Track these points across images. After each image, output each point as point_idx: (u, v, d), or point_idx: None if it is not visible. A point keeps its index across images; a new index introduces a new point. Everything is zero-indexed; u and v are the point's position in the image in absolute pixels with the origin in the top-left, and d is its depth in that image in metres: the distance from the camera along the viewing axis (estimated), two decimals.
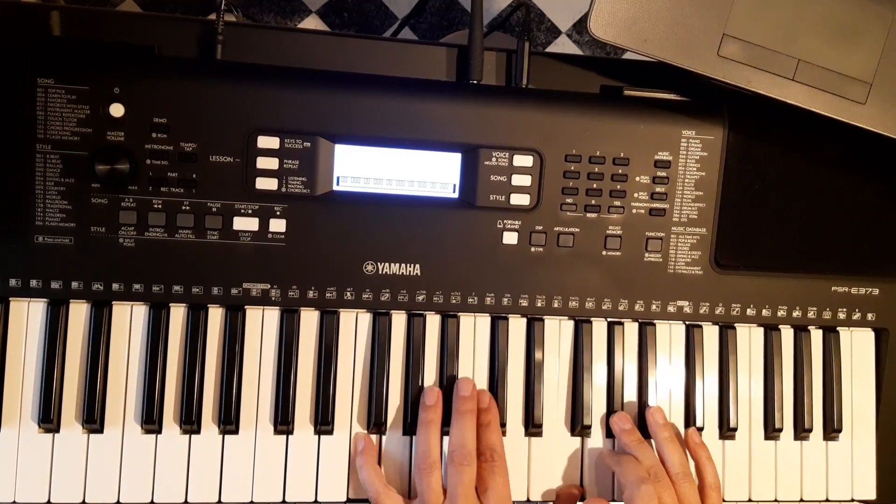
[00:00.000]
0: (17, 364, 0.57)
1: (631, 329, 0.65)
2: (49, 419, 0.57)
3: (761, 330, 0.66)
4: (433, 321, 0.62)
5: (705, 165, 0.62)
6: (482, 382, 0.62)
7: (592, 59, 0.69)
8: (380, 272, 0.60)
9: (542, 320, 0.63)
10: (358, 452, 0.60)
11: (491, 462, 0.58)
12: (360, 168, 0.59)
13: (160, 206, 0.57)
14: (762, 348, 0.66)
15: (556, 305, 0.62)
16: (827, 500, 0.66)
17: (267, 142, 0.57)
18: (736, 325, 0.66)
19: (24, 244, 0.56)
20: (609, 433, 0.64)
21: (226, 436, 0.59)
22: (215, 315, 0.60)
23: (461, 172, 0.60)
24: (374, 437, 0.61)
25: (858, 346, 0.68)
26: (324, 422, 0.60)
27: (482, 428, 0.60)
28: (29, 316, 0.58)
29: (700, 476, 0.61)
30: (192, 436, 0.59)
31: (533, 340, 0.63)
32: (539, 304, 0.62)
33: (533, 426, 0.62)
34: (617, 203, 0.61)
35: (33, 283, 0.56)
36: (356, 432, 0.61)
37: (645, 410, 0.64)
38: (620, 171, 0.61)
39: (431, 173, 0.60)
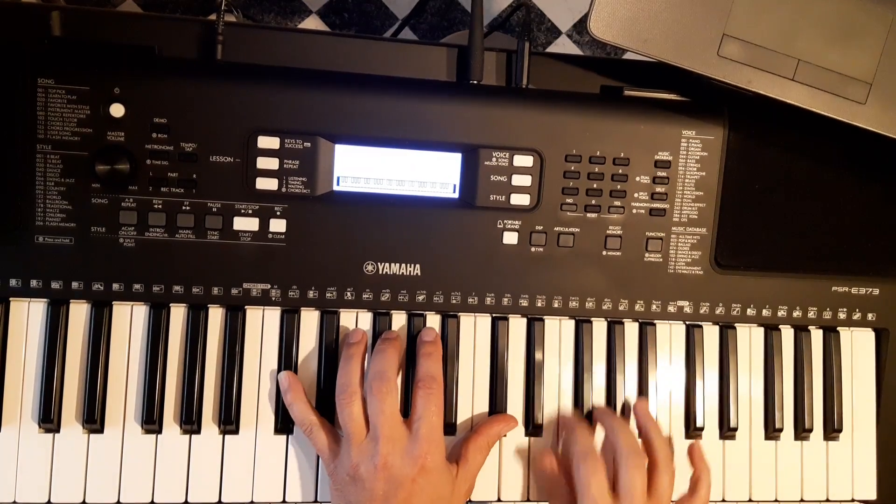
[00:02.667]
0: (17, 364, 0.57)
1: (631, 329, 0.65)
2: (49, 419, 0.57)
3: (761, 330, 0.66)
4: (433, 321, 0.62)
5: (705, 165, 0.62)
6: (482, 382, 0.62)
7: (592, 59, 0.69)
8: (380, 272, 0.60)
9: (543, 320, 0.63)
10: (285, 390, 0.58)
11: (426, 388, 0.56)
12: (360, 168, 0.59)
13: (160, 207, 0.57)
14: (762, 348, 0.66)
15: (556, 305, 0.62)
16: (827, 500, 0.66)
17: (267, 142, 0.57)
18: (736, 325, 0.66)
19: (24, 244, 0.56)
20: None
21: (226, 436, 0.59)
22: (215, 315, 0.60)
23: (461, 172, 0.60)
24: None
25: (859, 346, 0.68)
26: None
27: (422, 357, 0.58)
28: (29, 316, 0.58)
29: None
30: (193, 436, 0.59)
31: (533, 340, 0.63)
32: (539, 304, 0.62)
33: (533, 426, 0.62)
34: (617, 203, 0.61)
35: (33, 283, 0.56)
36: (279, 372, 0.59)
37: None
38: (620, 171, 0.61)
39: (431, 173, 0.60)
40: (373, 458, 0.54)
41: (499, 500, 0.62)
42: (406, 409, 0.59)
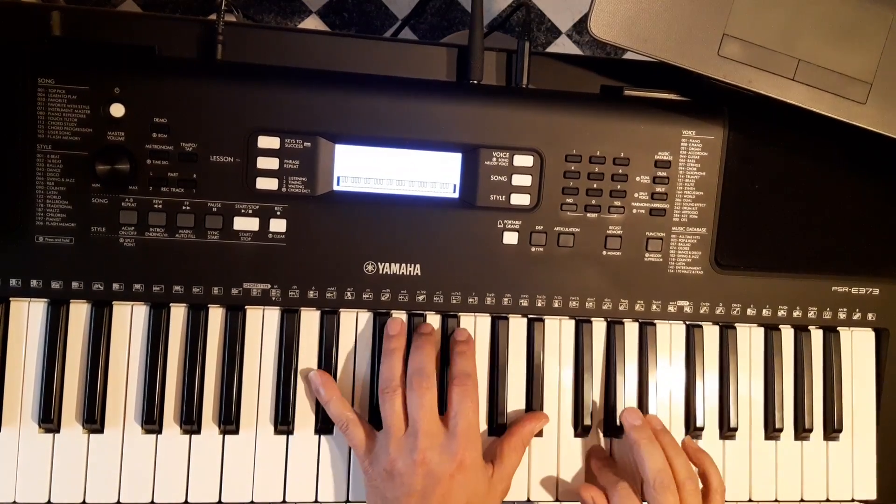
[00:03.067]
0: (17, 364, 0.57)
1: (631, 329, 0.65)
2: (49, 419, 0.57)
3: (761, 330, 0.66)
4: (434, 321, 0.62)
5: (705, 165, 0.62)
6: (482, 382, 0.62)
7: (592, 59, 0.69)
8: (380, 272, 0.60)
9: (543, 320, 0.63)
10: (317, 387, 0.58)
11: (462, 386, 0.57)
12: (360, 168, 0.59)
13: (160, 206, 0.57)
14: (762, 348, 0.66)
15: (556, 305, 0.62)
16: (827, 501, 0.67)
17: (267, 142, 0.57)
18: (736, 325, 0.66)
19: (24, 244, 0.56)
20: (608, 432, 0.64)
21: (226, 436, 0.59)
22: (215, 315, 0.60)
23: (461, 172, 0.60)
24: None
25: (859, 346, 0.68)
26: (325, 422, 0.60)
27: (457, 356, 0.59)
28: (29, 316, 0.58)
29: (705, 481, 0.60)
30: (193, 436, 0.59)
31: (533, 340, 0.63)
32: (539, 304, 0.62)
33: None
34: (617, 203, 0.61)
35: (34, 283, 0.56)
36: (310, 370, 0.60)
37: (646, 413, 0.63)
38: (621, 171, 0.61)
39: (432, 173, 0.60)
40: (412, 453, 0.54)
41: (528, 500, 0.62)
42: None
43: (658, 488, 0.56)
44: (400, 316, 0.61)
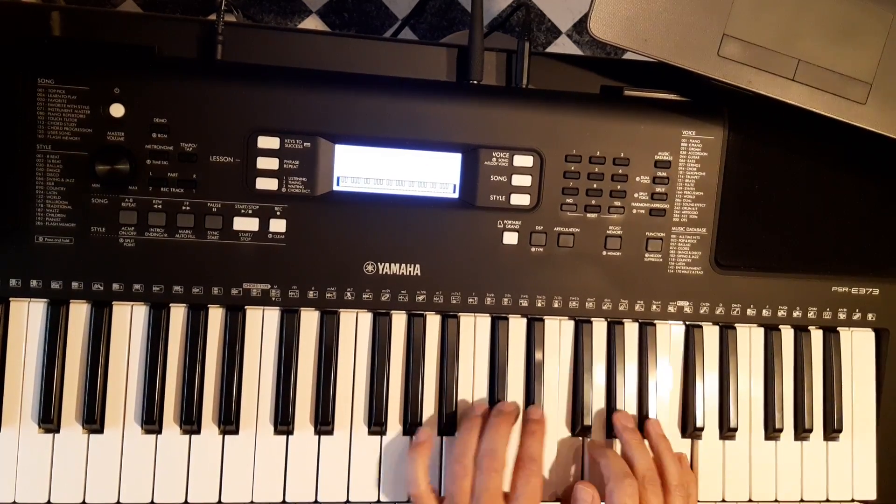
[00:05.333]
0: (17, 364, 0.57)
1: (631, 329, 0.65)
2: (49, 419, 0.57)
3: (761, 330, 0.66)
4: (433, 321, 0.62)
5: (705, 165, 0.62)
6: (482, 382, 0.62)
7: (592, 59, 0.69)
8: (380, 272, 0.60)
9: (543, 320, 0.63)
10: (415, 444, 0.59)
11: (526, 470, 0.57)
12: (360, 168, 0.59)
13: (160, 207, 0.57)
14: (762, 348, 0.66)
15: (556, 305, 0.62)
16: (827, 501, 0.66)
17: (267, 142, 0.57)
18: (736, 325, 0.66)
19: (24, 244, 0.56)
20: (609, 433, 0.64)
21: (226, 436, 0.59)
22: (215, 315, 0.60)
23: (461, 172, 0.60)
24: (376, 437, 0.61)
25: (859, 347, 0.68)
26: (324, 422, 0.60)
27: (526, 435, 0.59)
28: (29, 316, 0.58)
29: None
30: (193, 436, 0.59)
31: (533, 340, 0.63)
32: (539, 305, 0.62)
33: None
34: (617, 203, 0.61)
35: (33, 283, 0.56)
36: (420, 428, 0.60)
37: (646, 420, 0.63)
38: (620, 171, 0.61)
39: (431, 173, 0.60)
40: None
41: None
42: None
43: (646, 484, 0.57)
44: (400, 315, 0.61)
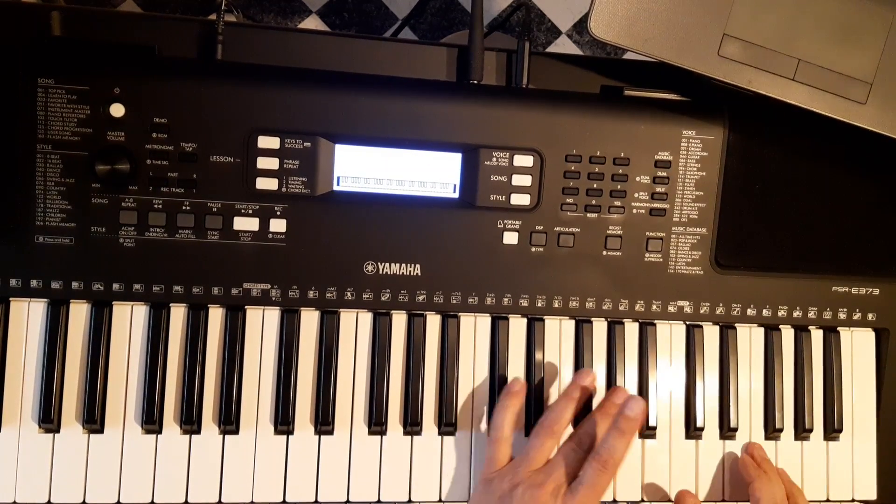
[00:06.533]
0: (17, 364, 0.57)
1: (631, 329, 0.65)
2: (49, 419, 0.57)
3: (761, 330, 0.66)
4: (433, 321, 0.62)
5: (705, 165, 0.62)
6: (482, 382, 0.62)
7: (592, 59, 0.69)
8: (380, 272, 0.60)
9: (543, 320, 0.63)
10: (509, 392, 0.60)
11: (604, 466, 0.56)
12: (360, 168, 0.59)
13: (160, 206, 0.57)
14: (762, 348, 0.66)
15: (556, 305, 0.62)
16: (827, 501, 0.66)
17: (267, 142, 0.57)
18: (736, 325, 0.66)
19: (24, 244, 0.56)
20: None
21: (226, 436, 0.59)
22: (215, 315, 0.60)
23: (461, 172, 0.60)
24: (376, 437, 0.61)
25: (859, 346, 0.68)
26: (324, 422, 0.60)
27: (616, 431, 0.57)
28: (29, 316, 0.58)
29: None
30: (193, 436, 0.59)
31: (533, 340, 0.63)
32: (539, 304, 0.62)
33: (533, 427, 0.62)
34: (617, 203, 0.61)
35: (34, 283, 0.56)
36: (514, 379, 0.61)
37: (748, 446, 0.65)
38: (621, 171, 0.61)
39: (432, 173, 0.60)
40: (536, 487, 0.55)
41: None
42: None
43: None
44: (400, 315, 0.61)
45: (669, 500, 0.63)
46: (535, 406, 0.62)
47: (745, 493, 0.65)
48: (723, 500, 0.65)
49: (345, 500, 0.60)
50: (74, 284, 0.57)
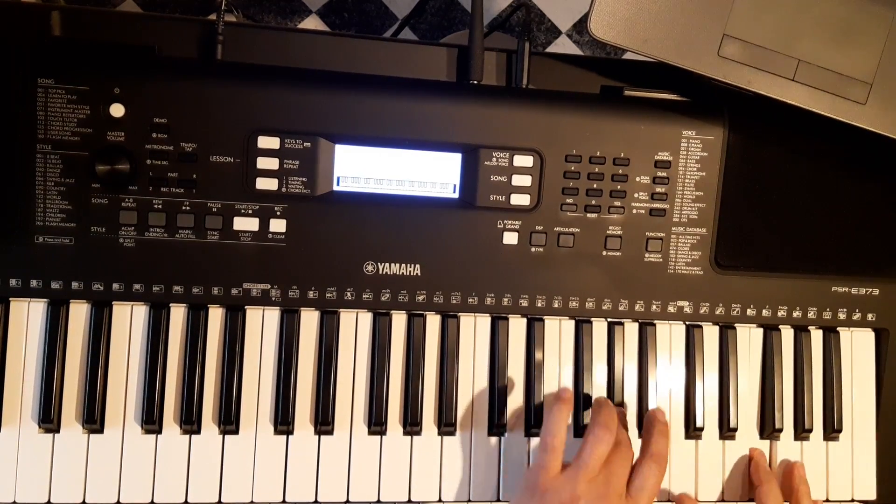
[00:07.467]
0: (17, 364, 0.57)
1: (631, 329, 0.65)
2: (49, 419, 0.57)
3: (761, 330, 0.66)
4: (433, 321, 0.62)
5: (705, 165, 0.62)
6: (482, 382, 0.62)
7: (592, 59, 0.69)
8: (380, 272, 0.60)
9: (543, 320, 0.63)
10: (562, 398, 0.60)
11: (658, 465, 0.58)
12: (360, 168, 0.59)
13: (160, 207, 0.57)
14: (762, 349, 0.66)
15: (556, 305, 0.62)
16: (827, 501, 0.66)
17: (267, 142, 0.57)
18: (736, 325, 0.66)
19: (24, 244, 0.56)
20: None
21: (226, 436, 0.59)
22: (215, 315, 0.60)
23: (461, 172, 0.60)
24: (376, 437, 0.61)
25: (858, 347, 0.68)
26: (324, 422, 0.60)
27: (658, 434, 0.60)
28: (29, 316, 0.58)
29: None
30: (193, 436, 0.59)
31: (533, 340, 0.63)
32: (539, 305, 0.62)
33: (533, 427, 0.62)
34: (617, 203, 0.61)
35: (33, 283, 0.56)
36: (563, 387, 0.62)
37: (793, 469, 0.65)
38: (620, 172, 0.61)
39: (431, 173, 0.60)
40: (601, 499, 0.55)
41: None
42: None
43: None
44: (400, 315, 0.61)
45: (669, 501, 0.64)
46: (535, 407, 0.62)
47: (744, 494, 0.65)
48: (723, 501, 0.65)
49: (344, 500, 0.60)
50: (74, 284, 0.57)
